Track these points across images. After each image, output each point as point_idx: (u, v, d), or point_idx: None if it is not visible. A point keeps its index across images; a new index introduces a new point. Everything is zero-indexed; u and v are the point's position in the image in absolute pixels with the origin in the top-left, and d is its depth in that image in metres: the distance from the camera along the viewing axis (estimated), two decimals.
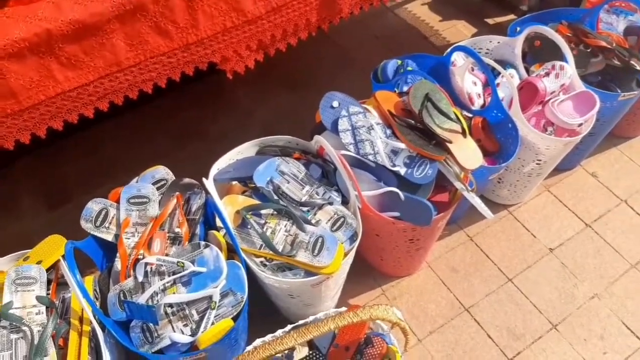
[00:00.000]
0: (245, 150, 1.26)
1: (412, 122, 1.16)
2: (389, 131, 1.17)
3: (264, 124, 1.79)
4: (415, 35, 2.16)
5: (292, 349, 1.07)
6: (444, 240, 1.50)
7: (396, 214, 1.11)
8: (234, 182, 1.24)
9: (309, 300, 1.15)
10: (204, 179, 1.12)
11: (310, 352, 1.04)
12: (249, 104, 1.89)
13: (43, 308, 0.99)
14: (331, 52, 2.05)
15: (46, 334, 0.95)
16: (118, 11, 0.93)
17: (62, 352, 0.96)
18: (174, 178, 1.17)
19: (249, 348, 0.95)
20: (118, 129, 1.74)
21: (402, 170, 1.12)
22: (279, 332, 1.04)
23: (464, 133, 1.18)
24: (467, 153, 1.15)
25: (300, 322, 1.05)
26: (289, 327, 1.04)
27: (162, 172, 1.17)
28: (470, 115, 1.32)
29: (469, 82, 1.40)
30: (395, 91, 1.31)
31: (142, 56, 0.99)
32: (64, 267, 0.98)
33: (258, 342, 1.01)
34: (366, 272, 1.42)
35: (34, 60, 0.91)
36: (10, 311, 0.96)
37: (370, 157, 1.14)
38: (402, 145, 1.13)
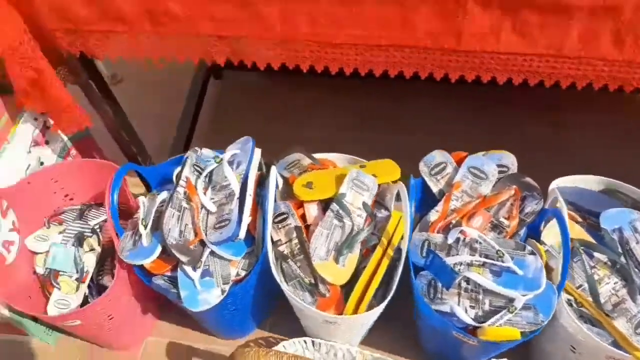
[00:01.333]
0: (589, 180, 1.17)
1: None
2: None
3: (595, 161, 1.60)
4: None
5: None
6: None
7: None
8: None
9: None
10: (554, 189, 1.07)
11: None
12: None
13: (364, 214, 1.10)
14: None
15: (360, 236, 1.05)
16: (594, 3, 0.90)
17: (362, 258, 1.07)
18: (516, 171, 1.15)
19: None
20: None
21: None
22: None
23: None
24: None
25: None
26: None
27: (509, 159, 1.15)
28: None
29: None
30: None
31: (583, 52, 0.96)
32: (404, 193, 1.06)
33: None
34: None
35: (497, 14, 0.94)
36: (343, 201, 1.10)
37: None
38: None
